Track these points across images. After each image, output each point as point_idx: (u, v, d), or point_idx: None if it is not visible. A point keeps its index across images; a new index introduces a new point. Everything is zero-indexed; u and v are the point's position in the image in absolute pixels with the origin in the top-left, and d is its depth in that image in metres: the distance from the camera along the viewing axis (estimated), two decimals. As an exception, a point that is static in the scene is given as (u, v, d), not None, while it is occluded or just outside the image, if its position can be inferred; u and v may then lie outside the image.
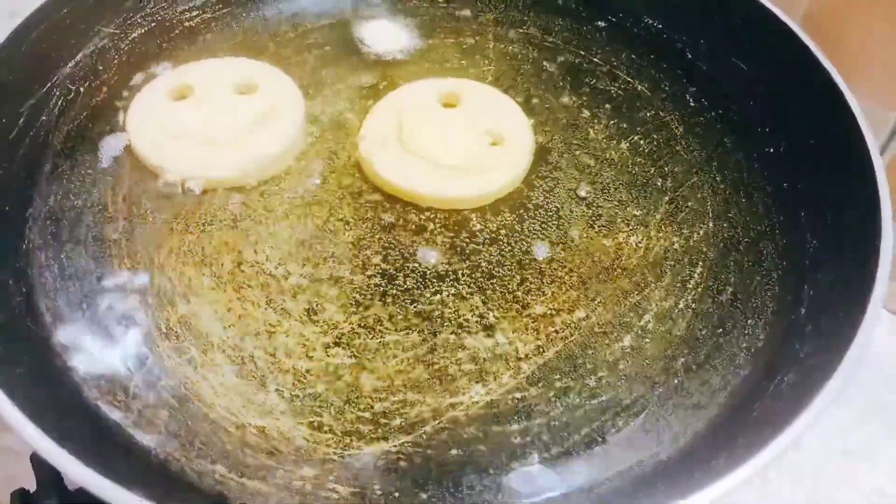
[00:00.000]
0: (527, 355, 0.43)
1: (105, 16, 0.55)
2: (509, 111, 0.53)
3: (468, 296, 0.46)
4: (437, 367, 0.43)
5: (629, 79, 0.57)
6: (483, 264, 0.47)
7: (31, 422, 0.35)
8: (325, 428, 0.41)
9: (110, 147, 0.51)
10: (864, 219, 0.43)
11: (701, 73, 0.57)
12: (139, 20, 0.56)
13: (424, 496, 0.39)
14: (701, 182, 0.52)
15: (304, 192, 0.50)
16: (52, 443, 0.34)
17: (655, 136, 0.54)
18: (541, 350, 0.44)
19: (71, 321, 0.44)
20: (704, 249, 0.49)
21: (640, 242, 0.48)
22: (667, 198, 0.51)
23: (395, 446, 0.40)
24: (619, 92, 0.56)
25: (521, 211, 0.49)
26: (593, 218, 0.49)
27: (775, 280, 0.47)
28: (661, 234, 0.49)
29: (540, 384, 0.43)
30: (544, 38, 0.60)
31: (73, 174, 0.50)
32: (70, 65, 0.53)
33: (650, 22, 0.60)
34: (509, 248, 0.48)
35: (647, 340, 0.45)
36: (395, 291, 0.46)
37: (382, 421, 0.41)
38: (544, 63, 0.58)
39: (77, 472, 0.34)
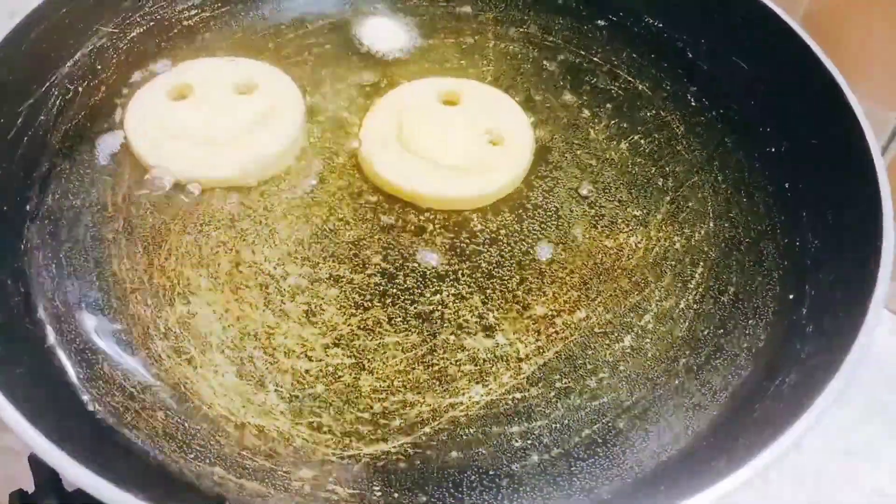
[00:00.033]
0: (527, 356, 0.43)
1: (104, 15, 0.55)
2: (509, 111, 0.53)
3: (468, 296, 0.45)
4: (436, 367, 0.43)
5: (630, 78, 0.57)
6: (483, 264, 0.47)
7: (30, 423, 0.34)
8: (325, 428, 0.41)
9: (108, 145, 0.51)
10: (866, 219, 0.43)
11: (702, 72, 0.57)
12: (138, 19, 0.56)
13: (424, 497, 0.39)
14: (702, 182, 0.52)
15: (303, 192, 0.50)
16: (51, 444, 0.34)
17: (656, 136, 0.54)
18: (541, 350, 0.44)
19: (70, 321, 0.44)
20: (705, 249, 0.48)
21: (640, 242, 0.48)
22: (668, 198, 0.51)
23: (394, 447, 0.40)
24: (620, 91, 0.56)
25: (521, 211, 0.49)
26: (594, 218, 0.49)
27: (776, 280, 0.47)
28: (661, 234, 0.49)
29: (540, 385, 0.42)
30: (544, 38, 0.60)
31: (71, 174, 0.50)
32: (69, 64, 0.52)
33: (651, 21, 0.60)
34: (509, 248, 0.48)
35: (648, 341, 0.44)
36: (394, 291, 0.45)
37: (382, 422, 0.41)
38: (544, 62, 0.58)
39: (75, 473, 0.33)
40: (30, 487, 0.41)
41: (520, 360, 0.43)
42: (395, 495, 0.39)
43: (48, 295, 0.44)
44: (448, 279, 0.46)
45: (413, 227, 0.48)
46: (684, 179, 0.52)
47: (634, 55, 0.58)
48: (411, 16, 0.60)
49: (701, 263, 0.48)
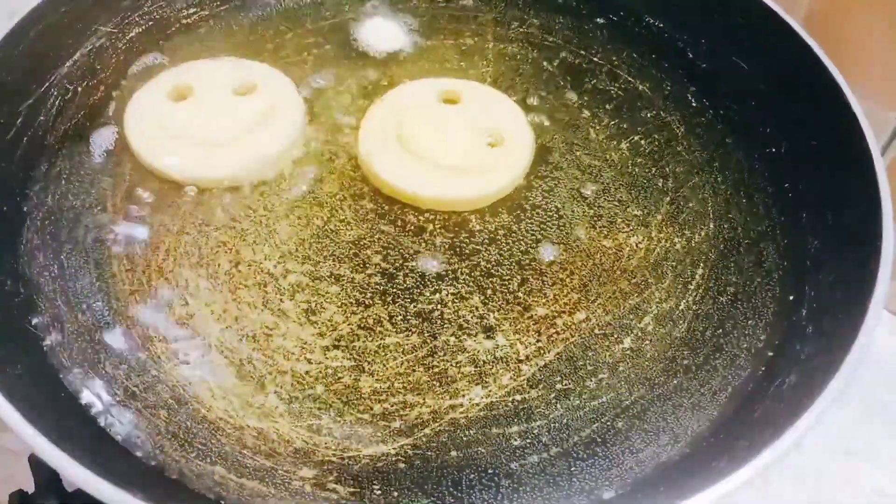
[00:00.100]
0: (527, 357, 0.43)
1: (103, 15, 0.55)
2: (509, 111, 0.53)
3: (468, 296, 0.45)
4: (437, 369, 0.43)
5: (630, 78, 0.57)
6: (483, 264, 0.47)
7: (30, 423, 0.34)
8: (325, 430, 0.40)
9: (105, 141, 0.51)
10: (865, 219, 0.43)
11: (702, 72, 0.57)
12: (137, 19, 0.56)
13: (424, 498, 0.39)
14: (702, 182, 0.52)
15: (303, 192, 0.50)
16: (51, 444, 0.34)
17: (656, 137, 0.54)
18: (541, 352, 0.44)
19: (70, 322, 0.44)
20: (705, 250, 0.48)
21: (640, 243, 0.48)
22: (668, 198, 0.51)
23: (394, 448, 0.40)
24: (620, 92, 0.56)
25: (521, 211, 0.49)
26: (594, 219, 0.49)
27: (776, 281, 0.47)
28: (661, 235, 0.49)
29: (540, 386, 0.42)
30: (544, 38, 0.59)
31: (71, 174, 0.50)
32: (68, 64, 0.52)
33: (651, 21, 0.60)
34: (509, 248, 0.48)
35: (648, 342, 0.44)
36: (394, 290, 0.45)
37: (382, 423, 0.41)
38: (544, 63, 0.58)
39: (75, 474, 0.33)
40: (30, 487, 0.41)
41: (520, 361, 0.43)
42: (395, 494, 0.39)
43: (48, 295, 0.44)
44: (448, 279, 0.46)
45: (413, 228, 0.48)
46: (684, 180, 0.52)
47: (634, 55, 0.58)
48: (411, 16, 0.60)
49: (701, 264, 0.48)
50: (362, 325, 0.44)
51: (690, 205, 0.51)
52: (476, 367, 0.43)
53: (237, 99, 0.52)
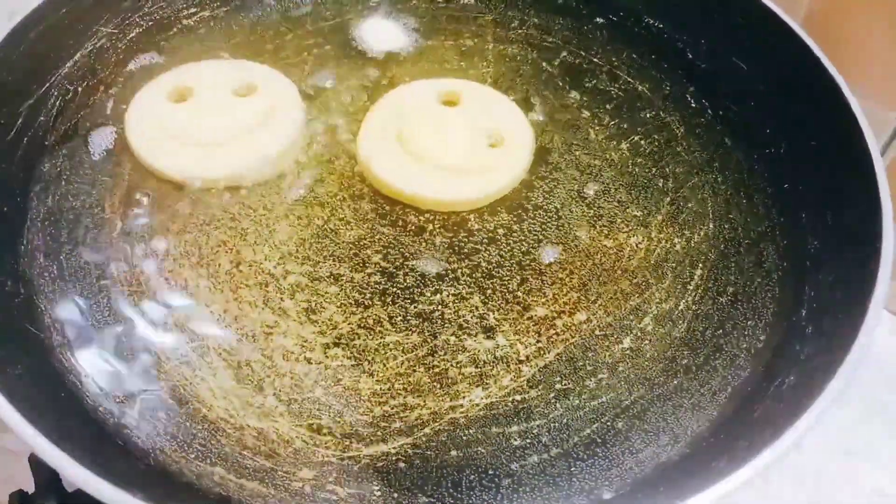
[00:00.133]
0: (527, 357, 0.43)
1: (103, 16, 0.55)
2: (509, 112, 0.53)
3: (468, 296, 0.45)
4: (437, 369, 0.43)
5: (629, 79, 0.57)
6: (483, 264, 0.47)
7: (30, 423, 0.34)
8: (325, 431, 0.41)
9: (105, 141, 0.51)
10: (865, 219, 0.43)
11: (702, 73, 0.57)
12: (137, 20, 0.56)
13: (424, 498, 0.39)
14: (702, 183, 0.52)
15: (303, 192, 0.50)
16: (51, 444, 0.34)
17: (656, 137, 0.54)
18: (541, 352, 0.44)
19: (69, 323, 0.44)
20: (705, 250, 0.48)
21: (640, 243, 0.48)
22: (667, 199, 0.51)
23: (394, 448, 0.40)
24: (620, 92, 0.56)
25: (521, 211, 0.49)
26: (594, 219, 0.49)
27: (776, 281, 0.47)
28: (661, 236, 0.49)
29: (540, 386, 0.42)
30: (544, 38, 0.60)
31: (71, 175, 0.50)
32: (68, 65, 0.52)
33: (651, 21, 0.60)
34: (509, 248, 0.48)
35: (648, 342, 0.44)
36: (395, 290, 0.45)
37: (382, 423, 0.41)
38: (544, 63, 0.58)
39: (75, 474, 0.33)
40: (30, 488, 0.41)
41: (520, 361, 0.43)
42: (395, 495, 0.39)
43: (48, 296, 0.44)
44: (448, 279, 0.46)
45: (413, 227, 0.48)
46: (684, 180, 0.52)
47: (634, 56, 0.58)
48: (411, 17, 0.60)
49: (701, 264, 0.48)
50: (362, 325, 0.44)
51: (690, 205, 0.51)
52: (476, 367, 0.43)
53: (237, 99, 0.52)
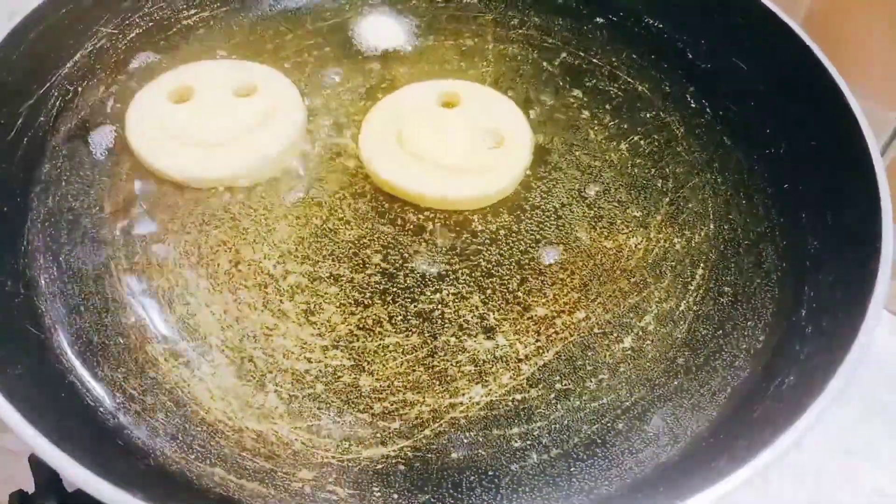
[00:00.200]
0: (527, 357, 0.43)
1: (103, 16, 0.55)
2: (509, 112, 0.53)
3: (468, 296, 0.45)
4: (436, 368, 0.43)
5: (629, 79, 0.57)
6: (483, 264, 0.47)
7: (30, 423, 0.34)
8: (324, 432, 0.41)
9: (105, 141, 0.51)
10: (865, 219, 0.43)
11: (702, 73, 0.57)
12: (137, 20, 0.56)
13: (424, 498, 0.39)
14: (702, 183, 0.52)
15: (303, 192, 0.50)
16: (51, 444, 0.34)
17: (656, 137, 0.54)
18: (541, 351, 0.44)
19: (70, 323, 0.44)
20: (705, 250, 0.48)
21: (640, 243, 0.48)
22: (667, 199, 0.51)
23: (394, 450, 0.40)
24: (620, 92, 0.56)
25: (521, 211, 0.49)
26: (594, 219, 0.49)
27: (776, 281, 0.47)
28: (661, 236, 0.49)
29: (540, 386, 0.42)
30: (544, 39, 0.60)
31: (71, 175, 0.50)
32: (68, 65, 0.52)
33: (651, 22, 0.60)
34: (509, 248, 0.48)
35: (648, 342, 0.44)
36: (395, 290, 0.45)
37: (381, 423, 0.41)
38: (544, 63, 0.58)
39: (75, 474, 0.33)
40: (30, 488, 0.41)
41: (520, 360, 0.43)
42: (395, 496, 0.39)
43: (49, 296, 0.44)
44: (448, 279, 0.46)
45: (413, 227, 0.48)
46: (684, 181, 0.52)
47: (634, 56, 0.58)
48: (411, 17, 0.60)
49: (701, 264, 0.48)
50: (362, 325, 0.44)
51: (690, 205, 0.51)
52: (476, 366, 0.43)
53: (237, 100, 0.53)
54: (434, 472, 0.39)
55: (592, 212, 0.50)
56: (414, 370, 0.43)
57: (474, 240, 0.48)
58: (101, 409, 0.41)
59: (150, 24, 0.57)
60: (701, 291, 0.47)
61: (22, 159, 0.49)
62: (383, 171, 0.49)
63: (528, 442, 0.41)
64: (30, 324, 0.43)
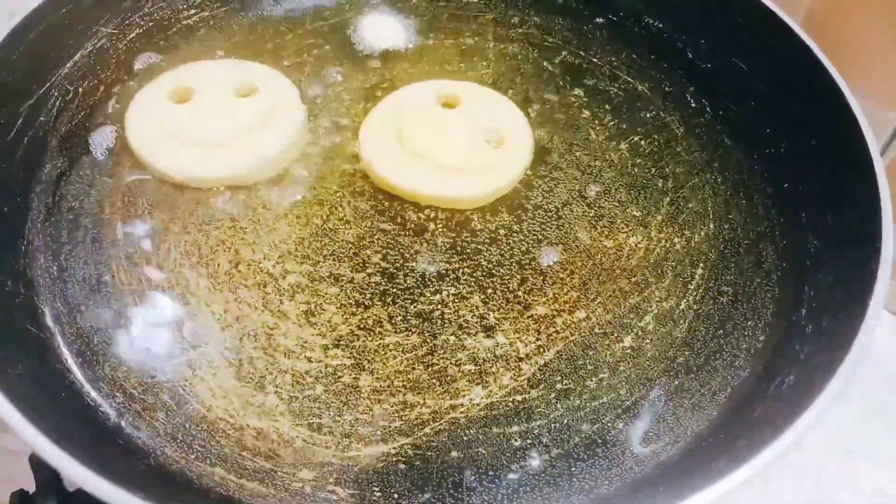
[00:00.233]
0: (527, 356, 0.43)
1: (103, 16, 0.55)
2: (509, 112, 0.53)
3: (468, 295, 0.45)
4: (437, 368, 0.43)
5: (629, 79, 0.57)
6: (483, 264, 0.47)
7: (30, 422, 0.34)
8: (325, 430, 0.41)
9: (105, 141, 0.51)
10: (865, 219, 0.43)
11: (702, 72, 0.57)
12: (137, 20, 0.56)
13: (424, 497, 0.39)
14: (702, 183, 0.52)
15: (303, 192, 0.50)
16: (51, 443, 0.34)
17: (656, 137, 0.54)
18: (541, 351, 0.44)
19: (70, 322, 0.44)
20: (705, 250, 0.48)
21: (640, 243, 0.48)
22: (667, 199, 0.51)
23: (394, 448, 0.40)
24: (620, 92, 0.56)
25: (521, 211, 0.49)
26: (594, 219, 0.49)
27: (776, 281, 0.47)
28: (661, 235, 0.49)
29: (540, 385, 0.42)
30: (544, 38, 0.60)
31: (71, 175, 0.50)
32: (68, 65, 0.52)
33: (651, 21, 0.60)
34: (509, 247, 0.48)
35: (648, 341, 0.44)
36: (395, 290, 0.45)
37: (382, 422, 0.41)
38: (544, 63, 0.58)
39: (76, 473, 0.33)
40: (30, 487, 0.41)
41: (520, 360, 0.43)
42: (396, 496, 0.39)
43: (49, 296, 0.44)
44: (448, 278, 0.46)
45: (413, 227, 0.48)
46: (684, 180, 0.52)
47: (634, 55, 0.58)
48: (411, 16, 0.60)
49: (701, 264, 0.48)
50: (362, 325, 0.44)
51: (690, 205, 0.51)
52: (476, 366, 0.43)
53: (237, 99, 0.53)
54: (434, 471, 0.39)
55: (593, 211, 0.50)
56: (414, 370, 0.43)
57: (474, 239, 0.48)
58: (102, 409, 0.41)
59: (150, 24, 0.57)
60: (701, 291, 0.47)
61: (22, 159, 0.49)
62: (383, 170, 0.49)
63: (529, 441, 0.41)
64: (30, 324, 0.43)
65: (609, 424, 0.41)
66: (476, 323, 0.44)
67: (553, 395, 0.42)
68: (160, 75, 0.54)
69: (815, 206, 0.48)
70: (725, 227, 0.50)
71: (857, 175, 0.45)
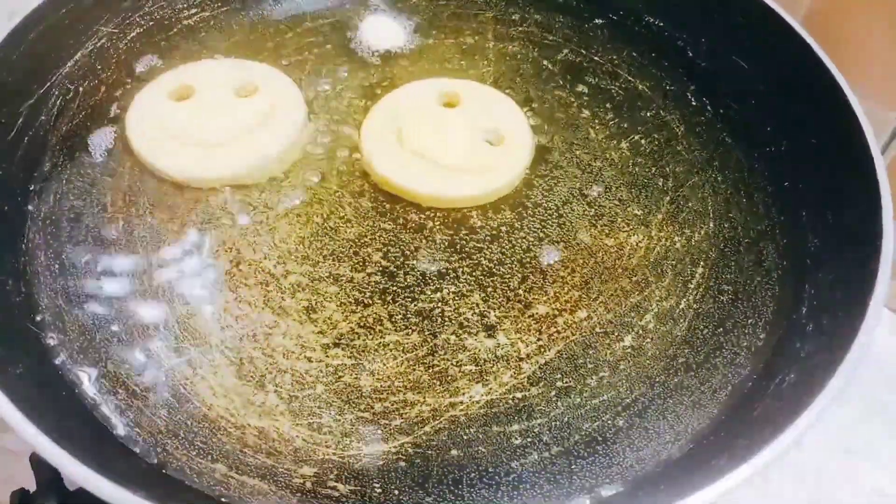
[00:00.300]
0: (528, 355, 0.43)
1: (103, 15, 0.55)
2: (509, 111, 0.53)
3: (469, 294, 0.45)
4: (437, 367, 0.43)
5: (630, 77, 0.57)
6: (483, 262, 0.47)
7: (31, 422, 0.34)
8: (325, 429, 0.41)
9: (105, 141, 0.51)
10: (865, 218, 0.43)
11: (702, 71, 0.57)
12: (137, 19, 0.56)
13: (424, 496, 0.39)
14: (702, 182, 0.52)
15: (303, 191, 0.50)
16: (52, 443, 0.34)
17: (656, 136, 0.54)
18: (542, 350, 0.44)
19: (70, 321, 0.44)
20: (705, 249, 0.48)
21: (641, 242, 0.48)
22: (668, 198, 0.51)
23: (394, 447, 0.40)
24: (620, 91, 0.56)
25: (522, 210, 0.49)
26: (594, 218, 0.49)
27: (776, 280, 0.47)
28: (662, 234, 0.49)
29: (541, 384, 0.42)
30: (544, 37, 0.60)
31: (71, 174, 0.50)
32: (69, 64, 0.52)
33: (651, 20, 0.60)
34: (510, 246, 0.48)
35: (648, 340, 0.44)
36: (395, 289, 0.45)
37: (382, 421, 0.41)
38: (544, 62, 0.58)
39: (76, 472, 0.33)
40: (31, 487, 0.41)
41: (520, 359, 0.43)
42: (396, 493, 0.39)
43: (49, 295, 0.44)
44: (448, 277, 0.46)
45: (413, 225, 0.48)
46: (684, 179, 0.52)
47: (634, 54, 0.59)
48: (411, 15, 0.60)
49: (701, 263, 0.48)
50: (362, 324, 0.44)
51: (690, 204, 0.51)
52: (477, 365, 0.43)
53: (238, 99, 0.53)
54: (435, 469, 0.39)
55: (593, 210, 0.50)
56: (414, 369, 0.43)
57: (475, 237, 0.48)
58: (102, 408, 0.41)
59: (151, 23, 0.57)
60: (701, 289, 0.47)
61: (22, 159, 0.49)
62: (383, 169, 0.49)
63: (529, 439, 0.41)
64: (30, 323, 0.43)
65: (609, 422, 0.41)
66: (477, 322, 0.44)
67: (553, 393, 0.42)
68: (160, 75, 0.54)
69: (816, 205, 0.48)
70: (726, 225, 0.50)
71: (858, 174, 0.45)
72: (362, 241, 0.47)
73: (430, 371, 0.43)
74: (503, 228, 0.48)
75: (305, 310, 0.44)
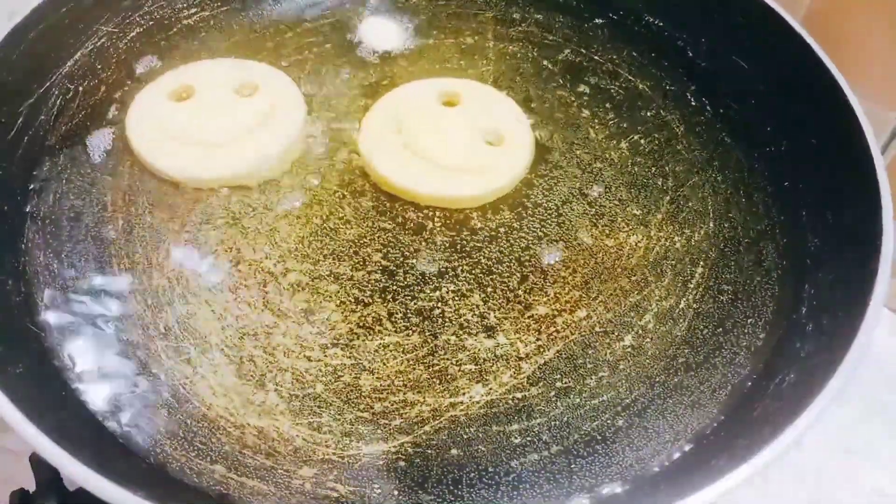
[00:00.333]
0: (527, 355, 0.43)
1: (103, 15, 0.55)
2: (509, 110, 0.53)
3: (468, 294, 0.45)
4: (437, 367, 0.43)
5: (630, 77, 0.57)
6: (483, 262, 0.47)
7: (31, 422, 0.35)
8: (325, 429, 0.41)
9: (105, 141, 0.51)
10: (865, 218, 0.43)
11: (702, 71, 0.57)
12: (137, 19, 0.56)
13: (424, 496, 0.39)
14: (702, 181, 0.52)
15: (303, 191, 0.50)
16: (52, 443, 0.34)
17: (656, 136, 0.54)
18: (541, 350, 0.44)
19: (70, 321, 0.44)
20: (705, 249, 0.48)
21: (640, 242, 0.48)
22: (667, 197, 0.51)
23: (394, 446, 0.40)
24: (620, 91, 0.56)
25: (522, 209, 0.49)
26: (594, 217, 0.49)
27: (776, 279, 0.47)
28: (661, 234, 0.49)
29: (540, 384, 0.42)
30: (544, 37, 0.60)
31: (71, 174, 0.50)
32: (69, 64, 0.52)
33: (651, 20, 0.60)
34: (509, 246, 0.48)
35: (648, 340, 0.44)
36: (395, 288, 0.45)
37: (382, 421, 0.41)
38: (544, 62, 0.58)
39: (76, 472, 0.33)
40: (31, 487, 0.41)
41: (520, 359, 0.43)
42: (396, 493, 0.39)
43: (49, 294, 0.44)
44: (448, 276, 0.46)
45: (413, 225, 0.48)
46: (684, 179, 0.52)
47: (634, 54, 0.59)
48: (411, 15, 0.60)
49: (701, 263, 0.48)
50: (362, 324, 0.44)
51: (690, 204, 0.51)
52: (476, 365, 0.43)
53: (238, 99, 0.53)
54: (434, 469, 0.39)
55: (593, 210, 0.50)
56: (414, 369, 0.43)
57: (474, 237, 0.48)
58: (102, 408, 0.41)
59: (151, 23, 0.57)
60: (701, 289, 0.47)
61: (22, 158, 0.49)
62: (383, 169, 0.49)
63: (529, 439, 0.41)
64: (30, 322, 0.43)
65: (609, 422, 0.41)
66: (476, 322, 0.44)
67: (553, 392, 0.42)
68: (161, 76, 0.54)
69: (816, 205, 0.48)
70: (726, 225, 0.50)
71: (858, 174, 0.45)
72: (362, 240, 0.47)
73: (430, 371, 0.43)
74: (503, 228, 0.48)
75: (305, 309, 0.44)
